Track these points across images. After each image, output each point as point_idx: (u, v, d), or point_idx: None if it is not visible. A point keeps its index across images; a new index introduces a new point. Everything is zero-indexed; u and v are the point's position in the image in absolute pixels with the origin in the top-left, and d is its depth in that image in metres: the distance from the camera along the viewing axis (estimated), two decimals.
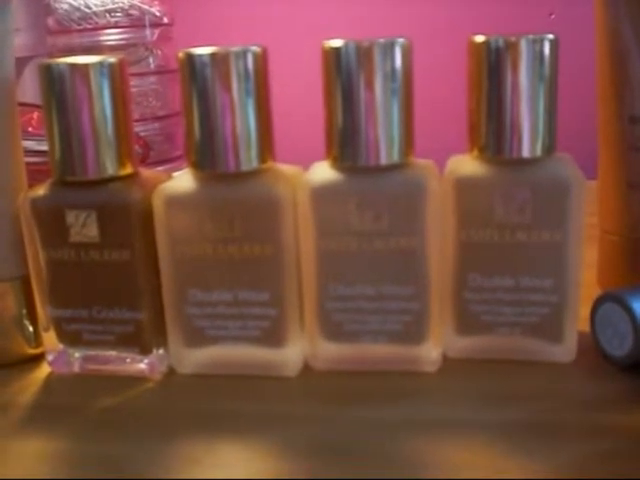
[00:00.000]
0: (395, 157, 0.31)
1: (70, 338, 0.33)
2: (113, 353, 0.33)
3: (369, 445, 0.28)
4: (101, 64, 0.31)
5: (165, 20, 0.61)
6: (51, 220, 0.32)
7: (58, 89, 0.31)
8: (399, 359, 0.32)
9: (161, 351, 0.33)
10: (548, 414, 0.29)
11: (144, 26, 0.59)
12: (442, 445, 0.28)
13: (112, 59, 0.31)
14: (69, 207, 0.31)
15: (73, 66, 0.30)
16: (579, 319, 0.32)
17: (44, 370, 0.34)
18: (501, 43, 0.30)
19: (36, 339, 0.35)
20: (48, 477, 0.27)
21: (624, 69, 0.36)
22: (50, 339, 0.34)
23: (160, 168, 0.59)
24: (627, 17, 0.36)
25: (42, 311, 0.33)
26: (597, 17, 0.37)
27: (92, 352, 0.33)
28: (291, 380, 0.33)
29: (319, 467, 0.27)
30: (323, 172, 0.31)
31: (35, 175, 0.36)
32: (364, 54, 0.29)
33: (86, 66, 0.31)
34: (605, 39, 0.37)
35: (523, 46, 0.30)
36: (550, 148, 0.31)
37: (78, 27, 0.58)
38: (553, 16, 0.65)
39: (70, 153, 0.31)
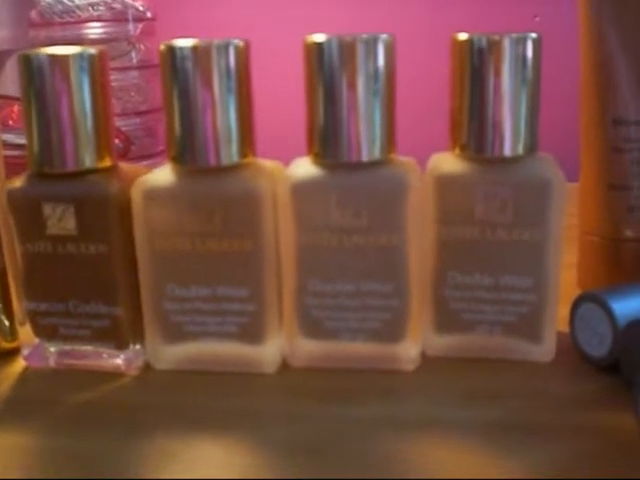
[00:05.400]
0: (376, 154, 0.31)
1: (46, 332, 0.33)
2: (89, 348, 0.33)
3: (346, 442, 0.28)
4: (81, 55, 0.30)
5: (148, 15, 0.60)
6: (28, 212, 0.31)
7: (37, 80, 0.30)
8: (378, 357, 0.32)
9: (138, 346, 0.33)
10: (526, 413, 0.29)
11: (127, 20, 0.59)
12: (420, 443, 0.28)
13: (92, 50, 0.31)
14: (46, 199, 0.31)
15: (53, 57, 0.30)
16: (558, 319, 0.32)
17: (20, 364, 0.34)
18: (484, 42, 0.30)
19: (12, 333, 0.34)
20: (22, 471, 0.27)
21: (608, 71, 0.36)
22: (26, 333, 0.33)
23: (143, 163, 0.58)
24: (611, 20, 0.36)
25: (18, 305, 0.33)
26: (581, 20, 0.37)
27: (68, 347, 0.33)
28: (269, 377, 0.32)
29: (296, 464, 0.27)
30: (304, 168, 0.31)
31: (16, 168, 0.36)
32: (347, 49, 0.29)
33: (66, 57, 0.30)
34: (589, 41, 0.37)
35: (506, 45, 0.30)
36: (532, 148, 0.31)
37: (60, 20, 0.57)
38: (537, 18, 0.65)
39: (48, 145, 0.31)
